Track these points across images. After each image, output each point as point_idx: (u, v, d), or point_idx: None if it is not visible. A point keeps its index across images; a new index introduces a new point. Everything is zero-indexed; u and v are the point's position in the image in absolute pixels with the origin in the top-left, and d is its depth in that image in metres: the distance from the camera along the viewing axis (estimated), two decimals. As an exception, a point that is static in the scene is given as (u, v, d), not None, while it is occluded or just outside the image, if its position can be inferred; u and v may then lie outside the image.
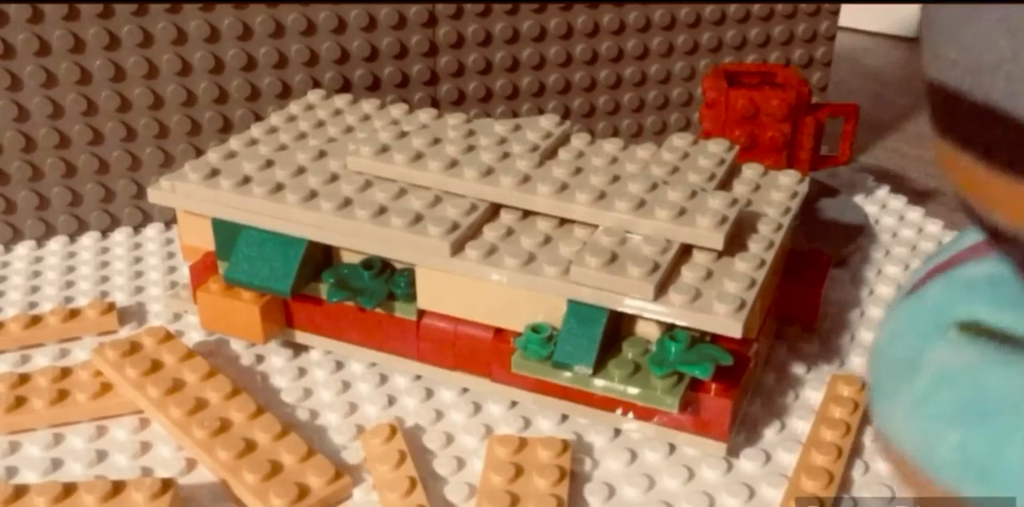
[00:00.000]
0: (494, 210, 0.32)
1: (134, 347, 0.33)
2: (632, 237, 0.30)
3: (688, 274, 0.29)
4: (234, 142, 0.36)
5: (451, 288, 0.31)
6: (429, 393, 0.33)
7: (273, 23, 0.41)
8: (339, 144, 0.36)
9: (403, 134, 0.35)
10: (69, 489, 0.27)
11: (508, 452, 0.29)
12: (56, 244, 0.41)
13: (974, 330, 0.21)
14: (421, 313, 0.32)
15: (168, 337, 0.34)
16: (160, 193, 0.34)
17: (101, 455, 0.30)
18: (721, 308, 0.28)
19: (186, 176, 0.34)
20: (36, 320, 0.35)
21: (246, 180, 0.33)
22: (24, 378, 0.32)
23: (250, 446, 0.29)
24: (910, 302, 0.23)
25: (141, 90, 0.41)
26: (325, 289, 0.32)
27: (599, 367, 0.29)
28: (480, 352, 0.32)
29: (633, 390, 0.29)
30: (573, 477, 0.29)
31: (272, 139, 0.36)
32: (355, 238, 0.31)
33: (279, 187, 0.33)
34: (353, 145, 0.34)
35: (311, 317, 0.34)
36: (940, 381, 0.21)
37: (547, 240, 0.31)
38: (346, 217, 0.31)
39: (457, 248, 0.30)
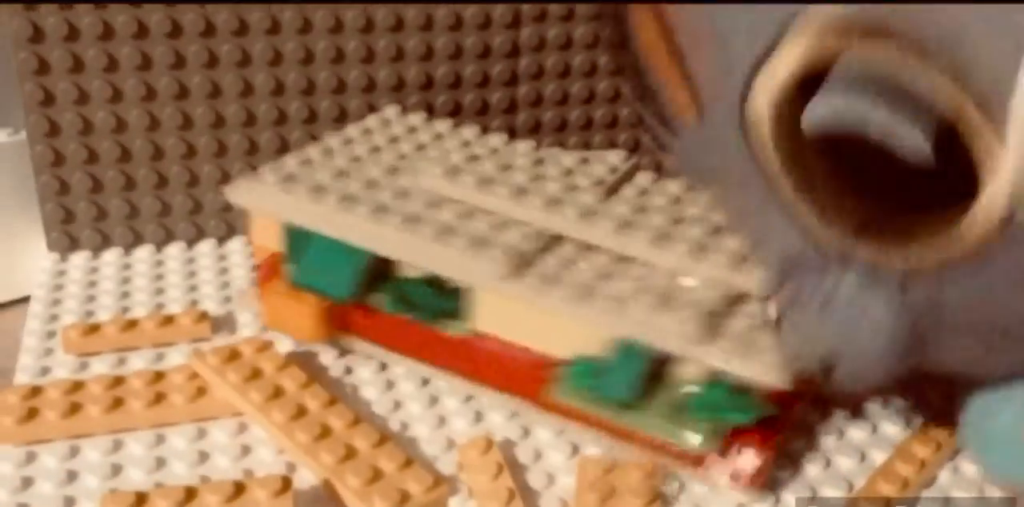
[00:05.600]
0: (555, 240, 0.33)
1: (233, 354, 0.34)
2: (687, 280, 0.31)
3: (739, 321, 0.30)
4: (311, 150, 0.37)
5: (506, 312, 0.32)
6: (514, 412, 0.34)
7: (365, 48, 0.43)
8: (410, 161, 0.37)
9: (474, 157, 0.36)
10: (191, 492, 0.28)
11: (599, 473, 0.30)
12: (144, 252, 0.43)
13: None
14: (475, 334, 0.33)
15: (265, 347, 0.35)
16: (237, 193, 0.36)
17: (203, 456, 0.31)
18: (768, 358, 0.28)
19: (264, 179, 0.35)
20: (132, 324, 0.37)
21: (320, 189, 0.35)
22: (119, 380, 0.33)
23: (351, 452, 0.30)
24: None
25: (203, 109, 0.42)
26: (386, 300, 0.34)
27: (641, 404, 0.30)
28: (529, 378, 0.32)
29: (671, 430, 0.30)
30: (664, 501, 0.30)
31: (347, 150, 0.38)
32: (417, 255, 0.33)
33: (350, 198, 0.34)
34: (424, 163, 0.35)
35: (368, 326, 0.35)
36: None
37: (604, 274, 0.32)
38: (411, 233, 0.33)
39: (514, 273, 0.31)
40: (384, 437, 0.31)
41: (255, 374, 0.33)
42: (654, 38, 0.27)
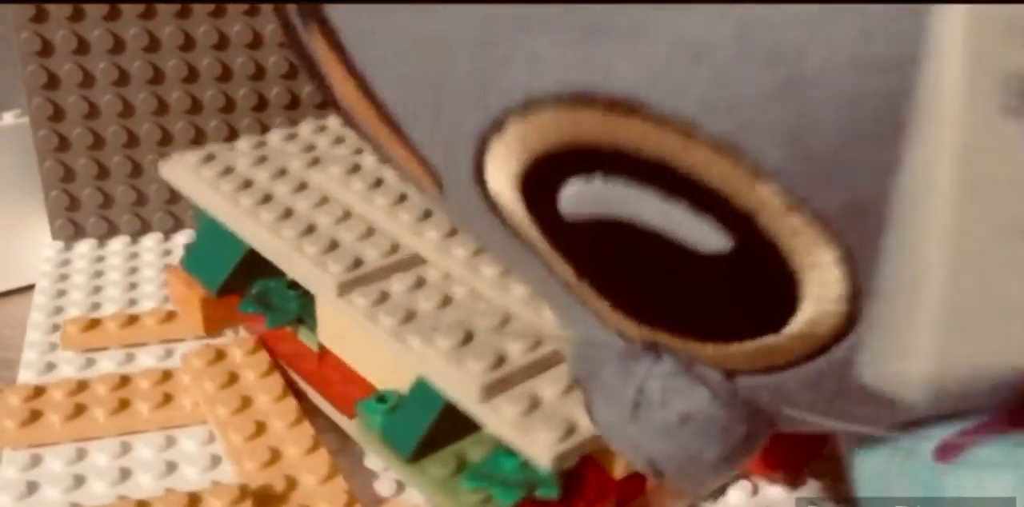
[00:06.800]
0: (420, 260, 0.30)
1: (219, 356, 0.33)
2: (516, 324, 0.27)
3: (542, 384, 0.25)
4: (273, 135, 0.36)
5: (342, 329, 0.30)
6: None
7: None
8: (339, 158, 0.34)
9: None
10: (142, 505, 0.27)
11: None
12: (151, 240, 0.42)
13: None
14: (324, 348, 0.31)
15: (256, 349, 0.34)
16: (166, 168, 0.35)
17: (215, 460, 0.30)
18: (544, 432, 0.23)
19: (187, 158, 0.34)
20: (133, 320, 0.36)
21: (226, 172, 0.33)
22: (125, 380, 0.33)
23: (291, 484, 0.28)
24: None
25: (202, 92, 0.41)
26: (244, 297, 0.33)
27: (423, 458, 0.27)
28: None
29: (435, 494, 0.26)
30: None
31: (313, 138, 0.36)
32: (277, 254, 0.30)
33: (243, 187, 0.32)
34: (336, 160, 0.34)
35: (249, 325, 0.34)
36: None
37: (444, 304, 0.28)
38: (275, 232, 0.30)
39: (345, 289, 0.28)
40: (333, 469, 0.29)
41: (231, 380, 0.32)
42: (349, 90, 0.21)
